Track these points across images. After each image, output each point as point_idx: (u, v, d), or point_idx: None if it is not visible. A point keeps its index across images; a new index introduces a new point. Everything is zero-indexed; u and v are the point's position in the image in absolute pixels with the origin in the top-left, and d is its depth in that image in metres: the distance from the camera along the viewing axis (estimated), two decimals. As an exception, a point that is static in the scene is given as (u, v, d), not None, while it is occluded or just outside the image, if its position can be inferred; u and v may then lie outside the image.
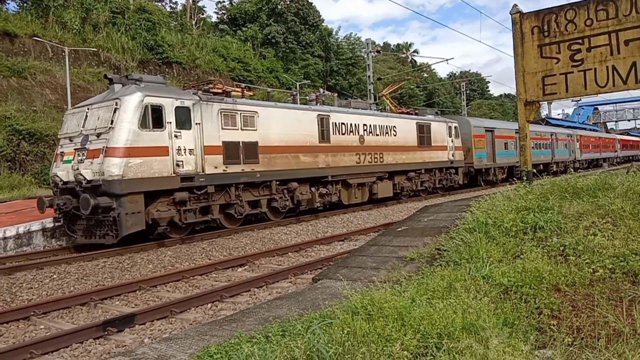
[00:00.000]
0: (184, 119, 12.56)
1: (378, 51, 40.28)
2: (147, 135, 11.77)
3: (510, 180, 16.99)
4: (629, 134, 71.71)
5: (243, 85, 17.16)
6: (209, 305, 7.39)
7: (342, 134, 17.86)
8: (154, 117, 11.96)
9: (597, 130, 59.52)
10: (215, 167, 13.17)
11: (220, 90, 14.26)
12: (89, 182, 11.28)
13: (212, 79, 16.18)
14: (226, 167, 13.47)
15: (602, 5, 8.86)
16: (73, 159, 12.16)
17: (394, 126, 20.59)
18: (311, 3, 52.72)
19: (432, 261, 6.22)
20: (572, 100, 71.49)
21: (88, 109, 12.57)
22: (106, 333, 6.22)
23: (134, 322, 6.57)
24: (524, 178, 9.34)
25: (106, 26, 35.36)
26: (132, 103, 11.69)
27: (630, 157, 55.74)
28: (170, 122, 12.21)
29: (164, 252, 11.44)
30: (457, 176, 24.70)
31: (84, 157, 11.82)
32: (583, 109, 76.00)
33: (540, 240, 5.92)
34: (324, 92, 24.97)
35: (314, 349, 3.47)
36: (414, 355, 3.62)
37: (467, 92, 69.10)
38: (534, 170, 9.71)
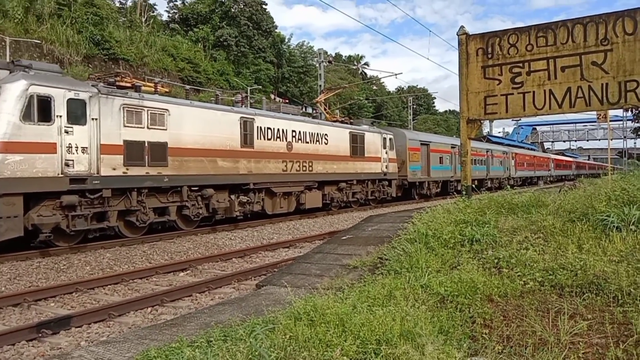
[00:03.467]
0: (77, 113, 11.28)
1: (330, 61, 40.83)
2: (30, 129, 10.46)
3: (451, 194, 17.25)
4: (563, 154, 75.65)
5: (157, 80, 15.92)
6: (149, 309, 7.26)
7: (268, 139, 16.89)
8: (40, 109, 10.65)
9: (534, 150, 62.46)
10: (114, 169, 11.94)
11: (128, 84, 13.06)
12: None
13: (119, 71, 14.72)
14: (127, 169, 12.23)
15: (542, 32, 9.40)
16: None
17: (326, 134, 19.87)
18: (265, 9, 52.68)
19: (375, 270, 6.38)
20: (512, 120, 74.77)
21: None
22: (40, 335, 6.00)
23: (70, 324, 6.37)
24: (464, 192, 9.73)
25: (51, 18, 33.96)
26: (14, 92, 10.42)
27: (563, 177, 58.74)
28: (60, 116, 10.92)
29: (103, 254, 11.13)
30: (390, 189, 24.45)
31: None
32: (522, 128, 79.75)
33: (477, 253, 6.20)
34: (274, 98, 24.91)
35: (256, 354, 3.51)
36: (353, 361, 3.72)
37: (414, 106, 70.92)
38: (473, 185, 10.11)
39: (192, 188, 14.01)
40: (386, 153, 23.94)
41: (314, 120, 20.54)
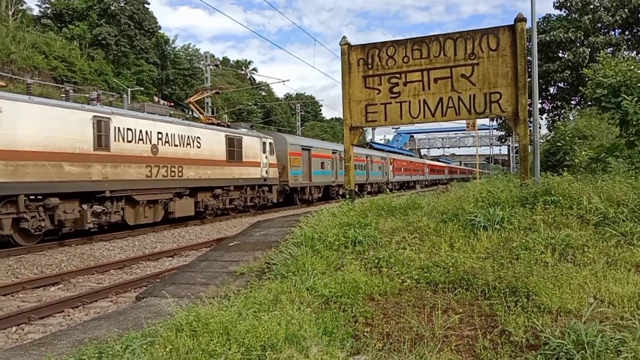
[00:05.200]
0: None
1: (217, 65, 40.17)
2: None
3: (334, 199, 17.23)
4: (438, 160, 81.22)
5: None
6: (14, 328, 6.60)
7: (128, 141, 15.09)
8: None
9: (412, 156, 66.33)
10: None
11: None
12: None
13: None
14: None
15: (417, 45, 10.03)
16: None
17: (198, 137, 18.40)
18: (147, 8, 50.60)
19: (262, 275, 6.36)
20: (392, 128, 78.88)
21: None
22: None
23: None
24: (347, 196, 10.07)
25: None
26: None
27: (437, 181, 63.00)
28: None
29: (-43, 271, 9.94)
30: (271, 194, 23.89)
31: None
32: (401, 135, 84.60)
33: (359, 254, 6.43)
34: (158, 101, 23.81)
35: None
36: (238, 369, 3.67)
37: (302, 113, 72.07)
38: (355, 190, 10.50)
39: (32, 197, 12.23)
40: (266, 158, 23.28)
41: (184, 122, 19.02)
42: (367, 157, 37.55)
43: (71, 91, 14.88)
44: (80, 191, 13.44)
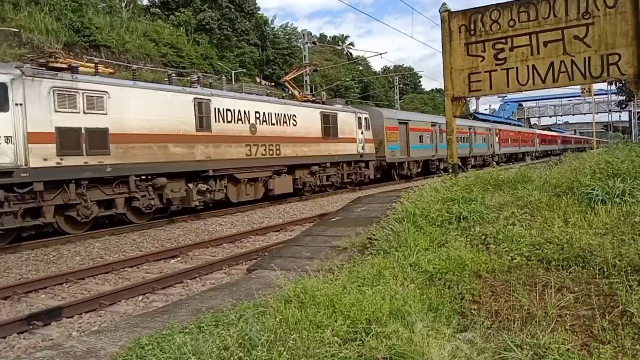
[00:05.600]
0: None
1: (314, 42, 40.50)
2: None
3: (437, 173, 16.66)
4: (550, 129, 76.17)
5: (97, 60, 14.28)
6: (140, 297, 7.27)
7: (228, 121, 15.66)
8: None
9: (520, 125, 62.74)
10: (45, 160, 10.87)
11: (64, 65, 11.99)
12: None
13: (54, 51, 13.33)
14: (61, 160, 11.17)
15: (524, 7, 9.38)
16: None
17: (294, 115, 18.65)
18: (247, -10, 51.96)
19: (364, 250, 6.43)
20: (498, 97, 75.02)
21: None
22: (31, 327, 5.99)
23: (61, 315, 6.37)
24: (450, 170, 9.79)
25: (28, 5, 33.26)
26: None
27: (549, 152, 59.18)
28: None
29: (92, 244, 11.08)
30: (367, 170, 23.66)
31: None
32: (508, 104, 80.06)
33: (464, 230, 6.26)
34: (260, 82, 24.36)
35: (247, 337, 3.54)
36: (344, 340, 3.76)
37: (401, 86, 70.78)
38: (459, 164, 10.18)
39: (141, 177, 13.02)
40: (362, 133, 23.03)
41: (280, 100, 19.29)
42: (469, 128, 36.08)
43: (174, 75, 15.66)
44: (186, 171, 14.12)
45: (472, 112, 56.17)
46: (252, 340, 3.49)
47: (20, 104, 10.50)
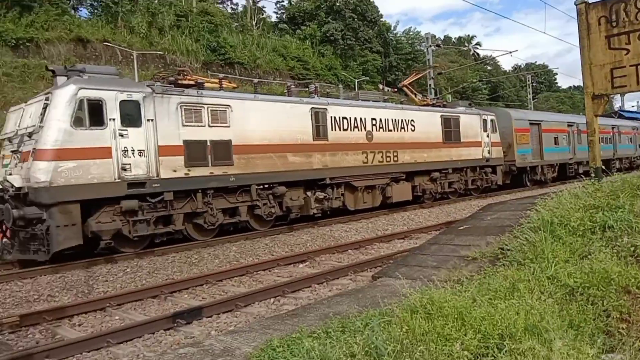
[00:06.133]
0: (131, 115, 10.97)
1: (438, 45, 39.66)
2: (82, 134, 10.26)
3: (577, 178, 15.05)
4: None
5: (221, 75, 14.93)
6: (272, 300, 7.60)
7: (344, 129, 15.68)
8: (91, 113, 10.42)
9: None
10: (174, 171, 11.53)
11: (191, 82, 12.75)
12: (18, 189, 10.01)
13: (181, 68, 14.32)
14: (188, 171, 11.80)
15: (679, -9, 8.34)
16: (10, 163, 11.02)
17: (412, 120, 18.09)
18: (369, -1, 52.50)
19: (495, 261, 6.12)
20: (649, 91, 67.37)
21: (25, 105, 11.39)
22: (176, 325, 6.54)
23: (202, 314, 6.87)
24: (593, 174, 8.97)
25: (171, 29, 36.71)
26: (64, 97, 10.20)
27: None
28: (113, 119, 10.65)
29: (229, 248, 11.85)
30: (495, 176, 22.19)
31: (18, 161, 10.59)
32: (661, 99, 71.35)
33: (610, 240, 5.69)
34: (383, 88, 24.23)
35: (373, 346, 3.54)
36: (475, 355, 3.61)
37: (534, 84, 66.62)
38: (603, 167, 9.27)
39: (262, 186, 13.44)
40: (487, 136, 21.72)
41: (398, 105, 18.85)
42: (613, 128, 32.71)
43: (293, 86, 16.09)
44: (304, 179, 14.44)
45: (616, 109, 51.03)
46: (379, 349, 3.49)
47: (152, 120, 11.25)
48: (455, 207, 18.27)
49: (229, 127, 12.71)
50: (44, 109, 10.21)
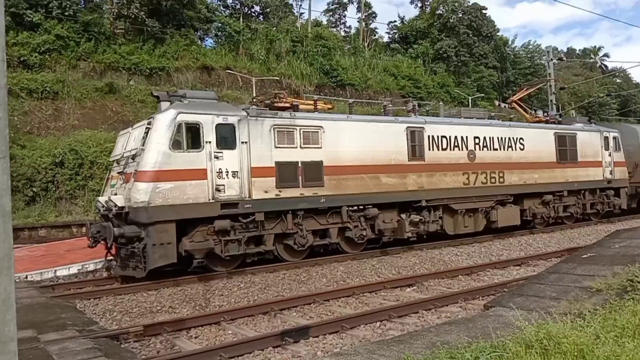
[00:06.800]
0: (226, 138, 11.24)
1: (561, 58, 37.26)
2: (180, 156, 10.67)
3: None
4: None
5: (316, 97, 14.69)
6: (378, 323, 7.51)
7: (443, 149, 14.88)
8: (189, 137, 10.84)
9: None
10: (266, 192, 11.62)
11: (287, 104, 12.85)
12: (120, 208, 10.51)
13: (277, 92, 14.54)
14: (279, 192, 11.83)
15: None
16: (116, 183, 11.58)
17: (521, 138, 16.88)
18: (485, 13, 50.94)
19: (623, 294, 5.59)
20: None
21: (132, 129, 11.96)
22: (284, 343, 6.70)
23: (309, 334, 6.98)
24: None
25: (287, 55, 38.44)
26: (164, 122, 10.70)
27: None
28: (209, 142, 10.98)
29: (337, 267, 11.94)
30: (617, 199, 19.92)
31: (122, 182, 11.10)
32: None
33: None
34: (499, 104, 23.16)
35: (482, 382, 3.37)
36: (597, 401, 3.30)
37: (674, 96, 60.13)
38: None
39: (353, 208, 13.13)
40: (609, 155, 19.69)
41: (504, 123, 17.53)
42: None
43: (390, 105, 15.58)
44: (397, 201, 13.87)
45: None
46: (487, 385, 3.31)
47: (245, 142, 11.45)
48: (579, 232, 16.89)
49: (320, 148, 12.64)
50: (146, 132, 10.73)
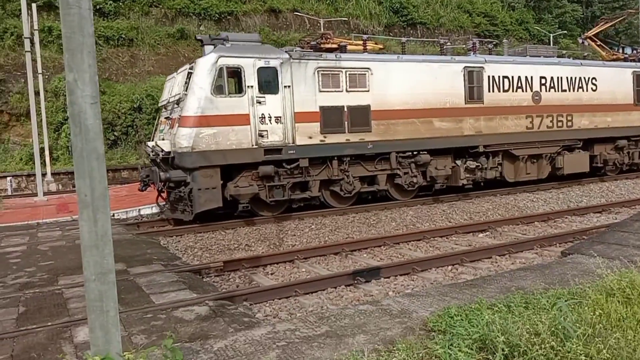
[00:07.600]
0: (269, 82, 11.04)
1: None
2: (222, 101, 10.60)
3: None
4: None
5: (365, 37, 13.81)
6: (449, 267, 7.55)
7: (504, 90, 13.97)
8: (230, 81, 10.76)
9: None
10: (310, 137, 11.44)
11: (334, 45, 12.32)
12: (167, 153, 10.67)
13: (324, 32, 13.75)
14: (324, 137, 11.62)
15: None
16: (164, 129, 11.66)
17: (593, 78, 15.62)
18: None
19: None
20: None
21: (176, 74, 11.89)
22: (355, 282, 6.90)
23: (379, 275, 7.13)
24: None
25: (356, -7, 37.19)
26: (205, 66, 10.55)
27: None
28: (251, 86, 10.82)
29: (406, 212, 11.96)
30: None
31: (169, 127, 11.21)
32: None
33: None
34: (582, 42, 21.32)
35: (560, 327, 3.33)
36: (684, 351, 3.19)
37: None
38: None
39: (403, 154, 12.68)
40: None
41: (575, 61, 16.20)
42: None
43: (448, 43, 14.67)
44: (452, 147, 13.38)
45: None
46: (567, 331, 3.28)
47: (288, 86, 11.23)
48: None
49: (367, 91, 12.18)
50: (188, 77, 10.70)
